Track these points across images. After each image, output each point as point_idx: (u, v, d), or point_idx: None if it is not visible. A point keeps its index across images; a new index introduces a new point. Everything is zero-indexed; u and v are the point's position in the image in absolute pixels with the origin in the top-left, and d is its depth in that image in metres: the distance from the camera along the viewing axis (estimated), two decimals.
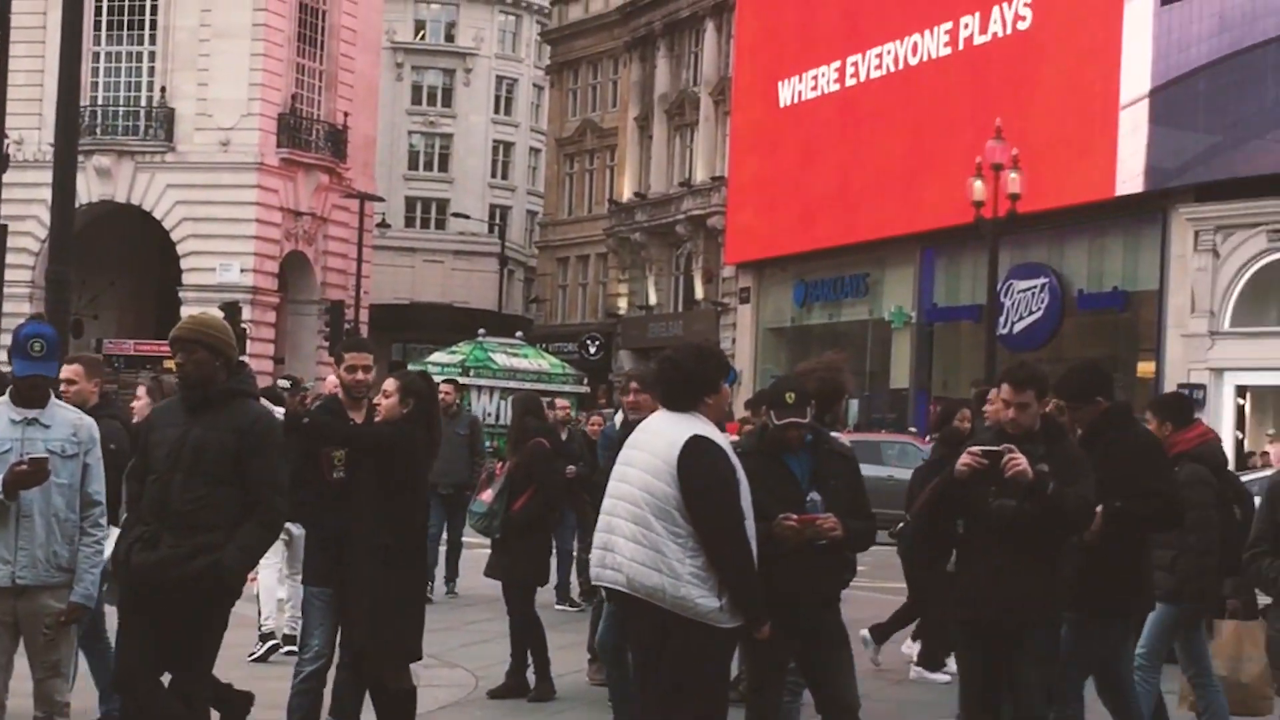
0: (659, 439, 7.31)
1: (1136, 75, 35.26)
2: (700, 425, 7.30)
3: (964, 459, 7.95)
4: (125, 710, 7.99)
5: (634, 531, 7.20)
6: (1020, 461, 7.82)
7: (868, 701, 8.63)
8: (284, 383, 15.17)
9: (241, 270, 50.40)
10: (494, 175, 79.40)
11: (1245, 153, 32.93)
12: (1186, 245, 34.46)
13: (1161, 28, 34.73)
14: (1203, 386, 33.59)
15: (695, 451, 7.16)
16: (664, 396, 7.53)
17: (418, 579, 9.19)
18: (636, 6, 61.84)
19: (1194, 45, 33.94)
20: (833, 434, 8.47)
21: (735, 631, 7.29)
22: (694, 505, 7.12)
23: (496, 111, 79.38)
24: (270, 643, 13.12)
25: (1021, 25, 39.39)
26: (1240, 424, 34.17)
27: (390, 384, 9.04)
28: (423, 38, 79.07)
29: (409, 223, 77.19)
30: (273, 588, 13.24)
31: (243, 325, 46.33)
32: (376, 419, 9.04)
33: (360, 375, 9.18)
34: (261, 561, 10.95)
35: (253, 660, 12.78)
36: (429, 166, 78.80)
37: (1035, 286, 38.72)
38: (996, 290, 34.09)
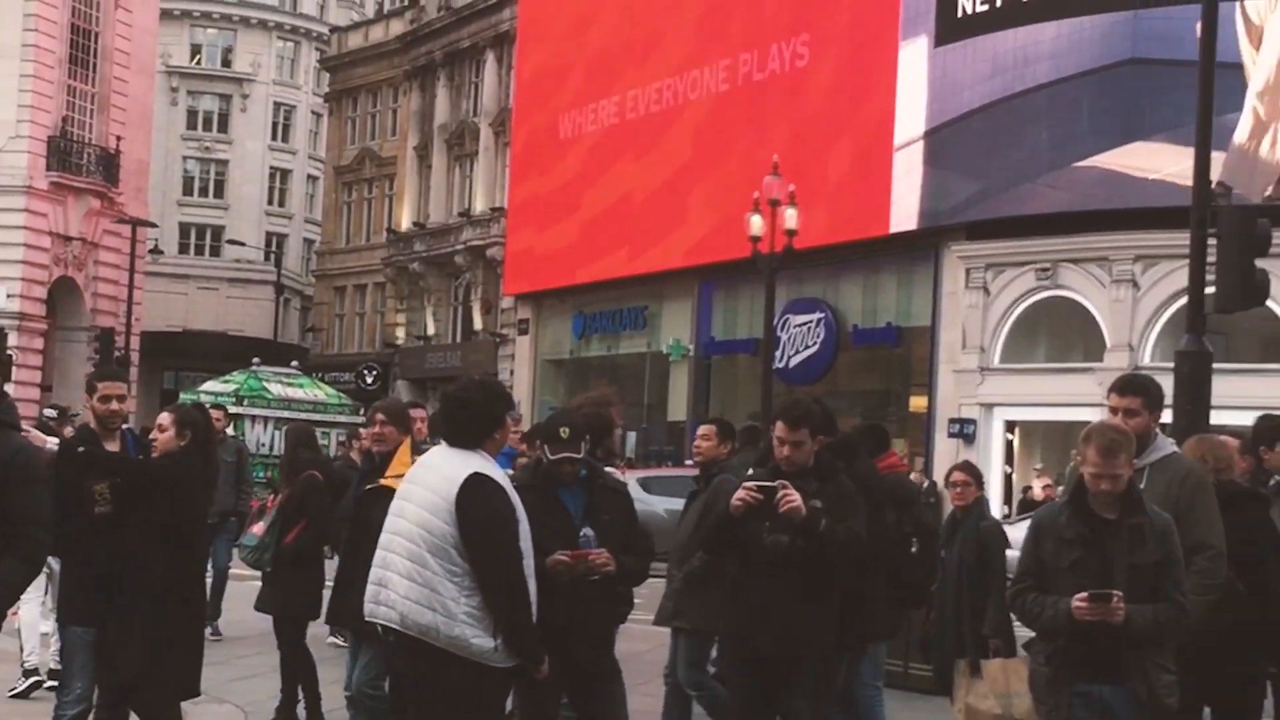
0: (438, 476, 7.22)
1: (912, 116, 35.91)
2: (481, 463, 7.23)
3: (739, 494, 7.98)
4: None
5: (409, 569, 7.09)
6: (794, 498, 7.86)
7: None
8: (50, 411, 14.74)
9: (8, 295, 49.11)
10: (271, 202, 78.50)
11: (1016, 194, 33.70)
12: (958, 282, 35.15)
13: (936, 70, 35.43)
14: (973, 421, 34.26)
15: (475, 490, 7.08)
16: (448, 433, 7.43)
17: (195, 614, 9.01)
18: (417, 36, 61.58)
19: (968, 89, 34.66)
20: (607, 468, 8.46)
21: (509, 671, 7.20)
22: (472, 544, 7.03)
23: (274, 138, 78.52)
24: (33, 678, 12.74)
25: (800, 63, 39.95)
26: (1009, 458, 34.88)
27: (165, 417, 8.85)
28: (199, 62, 77.91)
29: (183, 249, 75.99)
30: (35, 623, 12.89)
31: (8, 352, 45.13)
32: (154, 454, 8.82)
33: (114, 405, 8.93)
34: (23, 596, 10.63)
35: (13, 696, 12.46)
36: (204, 193, 77.65)
37: (811, 321, 39.19)
38: (773, 324, 34.42)
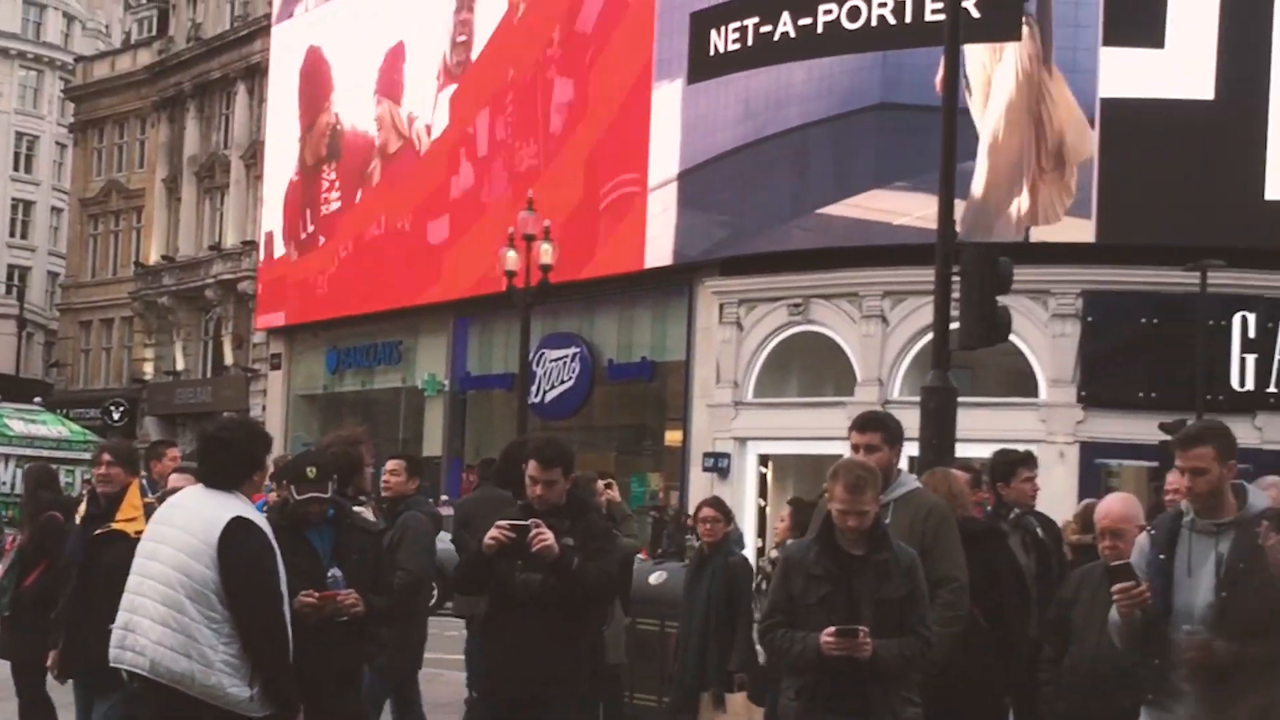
0: (196, 518, 7.03)
1: (666, 156, 36.17)
2: (241, 506, 7.09)
3: (492, 533, 7.95)
4: None
5: (164, 614, 6.89)
6: (547, 536, 7.87)
7: None
8: None
9: None
10: (13, 235, 76.54)
11: (768, 234, 34.14)
12: (712, 318, 35.49)
13: (690, 112, 35.77)
14: (727, 455, 34.57)
15: (238, 534, 6.93)
16: (206, 473, 7.26)
17: None
18: (165, 66, 60.51)
19: (721, 130, 35.04)
20: (356, 508, 8.36)
21: None
22: (234, 591, 6.88)
23: (16, 169, 76.60)
24: None
25: (562, 99, 40.06)
26: (763, 492, 35.24)
27: None
28: None
29: None
30: None
31: None
32: None
33: None
34: None
35: None
36: None
37: (566, 356, 39.27)
38: (528, 359, 34.40)
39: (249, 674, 6.91)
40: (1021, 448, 11.09)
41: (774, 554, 11.36)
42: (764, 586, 10.68)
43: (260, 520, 7.15)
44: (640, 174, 36.81)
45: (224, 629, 6.88)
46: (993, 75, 31.24)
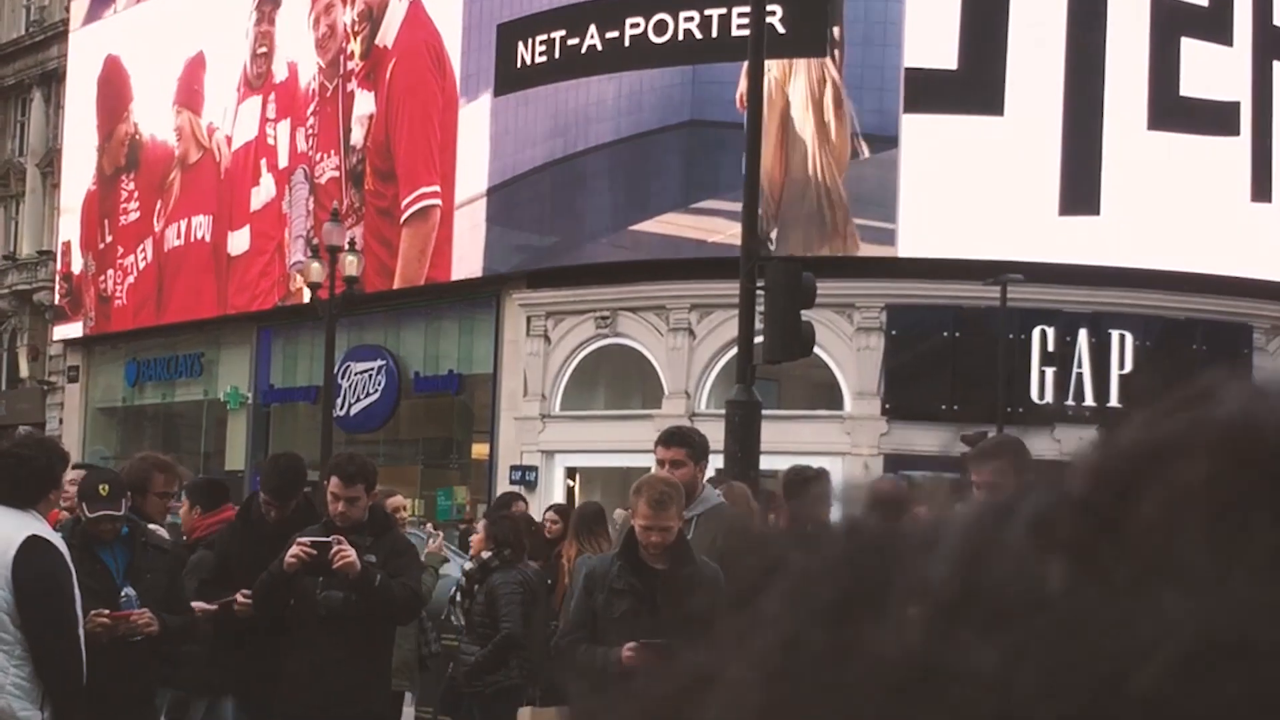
0: None
1: (475, 171, 36.01)
2: (37, 524, 6.95)
3: (293, 550, 7.85)
4: None
5: None
6: (349, 553, 7.79)
7: None
8: None
9: None
10: None
11: (578, 249, 34.18)
12: (519, 330, 35.42)
13: (499, 126, 35.67)
14: (535, 468, 34.51)
15: (33, 553, 6.78)
16: (2, 492, 7.03)
17: None
18: None
19: (530, 146, 34.98)
20: (151, 526, 8.18)
21: None
22: (28, 611, 6.73)
23: None
24: None
25: (365, 111, 39.74)
26: (570, 504, 35.22)
27: None
28: None
29: None
30: None
31: None
32: None
33: None
34: None
35: None
36: None
37: (373, 369, 38.96)
38: (334, 372, 34.07)
39: (39, 697, 6.75)
40: (827, 460, 11.18)
41: (469, 565, 11.30)
42: (458, 598, 10.72)
43: (56, 540, 7.02)
44: (447, 186, 36.63)
45: (15, 650, 6.73)
46: (789, 91, 31.58)
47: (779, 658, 0.48)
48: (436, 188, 36.82)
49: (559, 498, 34.76)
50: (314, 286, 31.64)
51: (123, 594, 7.59)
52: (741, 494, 8.93)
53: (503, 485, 35.04)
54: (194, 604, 8.18)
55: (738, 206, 22.77)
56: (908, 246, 30.85)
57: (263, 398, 43.31)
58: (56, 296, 50.73)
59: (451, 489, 38.26)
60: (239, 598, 8.24)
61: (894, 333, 31.08)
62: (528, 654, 10.13)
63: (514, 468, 34.87)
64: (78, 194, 49.95)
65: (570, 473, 35.22)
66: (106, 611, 7.42)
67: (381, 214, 37.61)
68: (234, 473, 43.60)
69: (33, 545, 6.81)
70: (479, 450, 37.52)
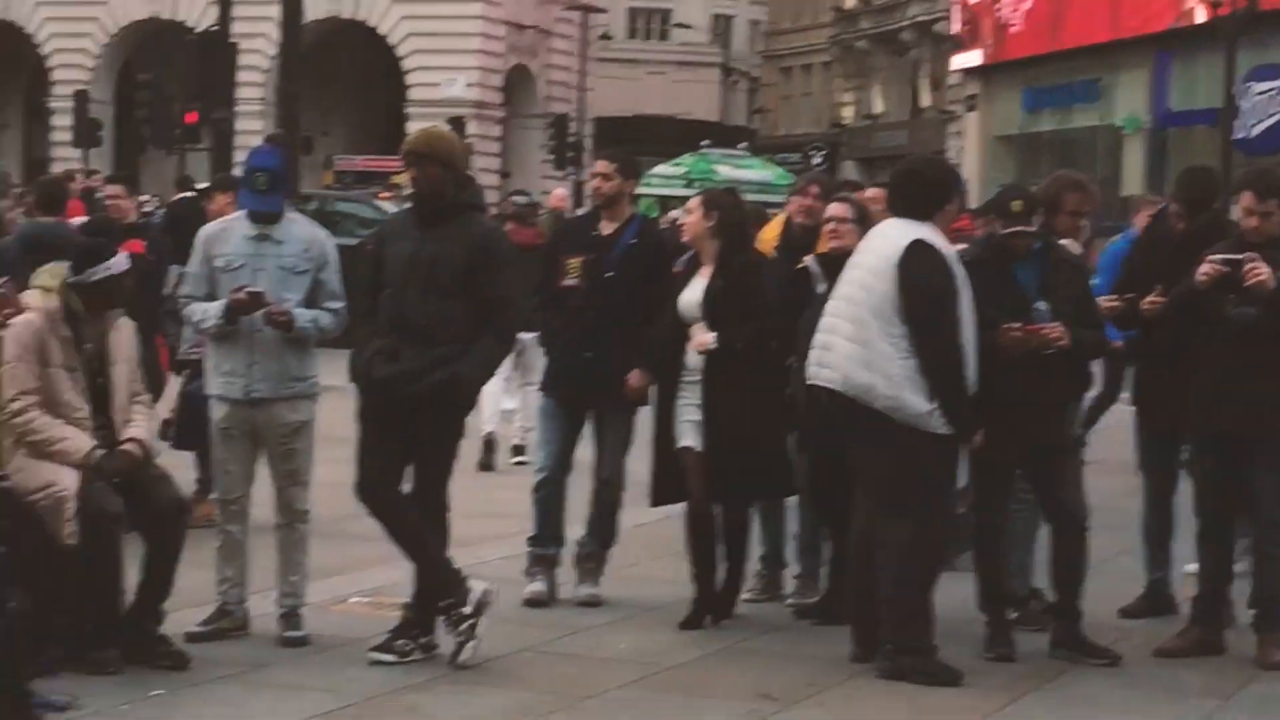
0: (886, 242, 7.52)
1: None
2: (927, 232, 7.47)
3: (1205, 267, 7.80)
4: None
5: (851, 331, 7.42)
6: (1262, 270, 7.67)
7: None
8: (520, 199, 15.04)
9: (466, 85, 50.67)
10: None
11: None
12: None
13: None
14: None
15: (916, 255, 7.36)
16: (898, 204, 7.74)
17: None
18: None
19: None
20: (1063, 242, 8.34)
21: (948, 439, 7.39)
22: (909, 307, 7.31)
23: None
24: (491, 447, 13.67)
25: None
26: None
27: (694, 201, 8.85)
28: None
29: (631, 34, 76.78)
30: (495, 393, 12.92)
31: (468, 140, 46.78)
32: (683, 239, 8.99)
33: (598, 183, 9.02)
34: None
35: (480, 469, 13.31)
36: None
37: (1275, 88, 37.40)
38: (1232, 93, 33.00)
39: (928, 389, 7.30)
40: None
41: None
42: None
43: (944, 246, 7.49)
44: None
45: (901, 344, 7.33)
46: None
47: None
48: None
49: None
50: (1214, 5, 30.64)
51: (1034, 307, 7.79)
52: None
53: None
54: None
55: None
56: None
57: (1159, 122, 42.57)
58: (956, 25, 51.44)
59: None
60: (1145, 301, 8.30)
61: None
62: None
63: None
64: None
65: None
66: (1019, 325, 7.66)
67: None
68: (1128, 198, 43.42)
69: (917, 248, 7.38)
70: None
